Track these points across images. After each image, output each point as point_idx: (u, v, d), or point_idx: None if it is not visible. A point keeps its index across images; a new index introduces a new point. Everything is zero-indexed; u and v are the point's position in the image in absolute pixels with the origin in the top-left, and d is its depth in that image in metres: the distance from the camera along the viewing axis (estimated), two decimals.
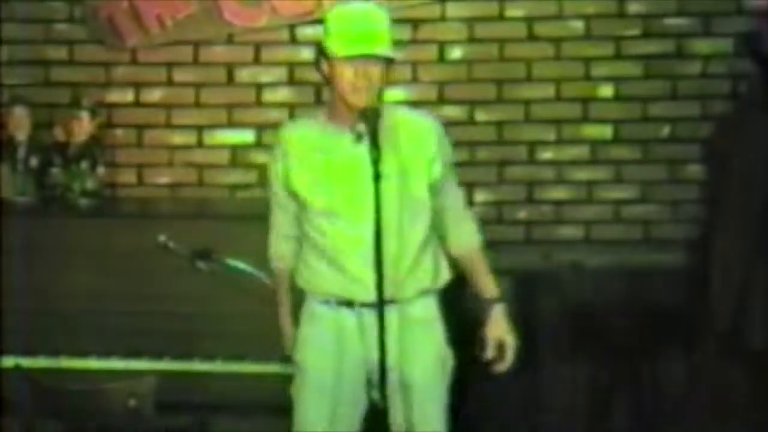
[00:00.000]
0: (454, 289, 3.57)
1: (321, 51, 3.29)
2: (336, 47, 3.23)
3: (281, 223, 3.50)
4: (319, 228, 3.36)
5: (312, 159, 3.36)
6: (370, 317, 3.25)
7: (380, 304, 3.18)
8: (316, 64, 3.33)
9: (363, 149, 3.19)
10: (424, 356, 3.41)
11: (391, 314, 3.30)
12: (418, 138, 3.38)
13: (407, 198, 3.33)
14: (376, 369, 3.21)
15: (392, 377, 3.32)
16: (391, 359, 3.28)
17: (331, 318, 3.39)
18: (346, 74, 3.23)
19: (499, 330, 3.49)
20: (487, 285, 3.53)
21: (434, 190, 3.40)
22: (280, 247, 3.54)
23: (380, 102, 3.30)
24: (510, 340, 3.50)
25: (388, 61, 3.27)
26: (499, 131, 4.84)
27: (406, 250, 3.35)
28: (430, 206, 3.40)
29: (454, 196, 3.51)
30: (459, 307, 3.62)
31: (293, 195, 3.38)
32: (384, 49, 3.24)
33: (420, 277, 3.42)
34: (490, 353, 3.48)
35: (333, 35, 3.24)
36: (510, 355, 3.51)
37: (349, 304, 3.36)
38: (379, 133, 3.18)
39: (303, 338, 3.47)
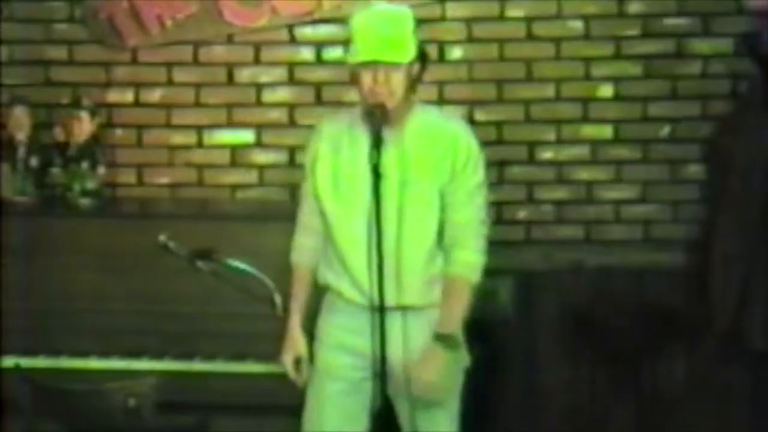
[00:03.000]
0: None
1: (347, 55, 3.31)
2: (355, 52, 3.23)
3: (305, 213, 3.52)
4: (331, 226, 3.37)
5: (333, 156, 3.37)
6: (378, 318, 3.25)
7: (381, 305, 3.18)
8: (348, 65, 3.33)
9: (382, 152, 3.19)
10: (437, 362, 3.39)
11: (397, 319, 3.30)
12: (442, 146, 3.36)
13: (417, 203, 3.32)
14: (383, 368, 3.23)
15: (398, 378, 3.32)
16: (397, 360, 3.29)
17: (346, 313, 3.40)
18: (365, 79, 3.24)
19: (422, 368, 3.33)
20: (445, 319, 3.36)
21: (446, 200, 3.35)
22: (300, 238, 3.55)
23: (408, 102, 3.30)
24: (430, 378, 3.32)
25: (417, 62, 3.27)
26: (499, 131, 4.84)
27: (412, 256, 3.33)
28: (440, 215, 3.36)
29: (465, 212, 3.39)
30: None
31: (313, 189, 3.41)
32: (401, 56, 3.23)
33: (432, 289, 3.38)
34: (415, 389, 3.34)
35: (355, 39, 3.25)
36: (429, 392, 3.34)
37: (358, 304, 3.36)
38: (384, 133, 3.18)
39: (318, 333, 3.48)
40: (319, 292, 3.54)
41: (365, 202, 3.24)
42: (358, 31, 3.25)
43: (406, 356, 3.32)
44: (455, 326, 3.34)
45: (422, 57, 3.31)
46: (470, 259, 3.39)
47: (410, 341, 3.33)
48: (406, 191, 3.29)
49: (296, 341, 3.50)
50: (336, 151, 3.37)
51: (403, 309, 3.33)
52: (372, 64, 3.22)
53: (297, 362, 3.51)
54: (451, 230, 3.37)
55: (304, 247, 3.54)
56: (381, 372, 3.26)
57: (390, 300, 3.24)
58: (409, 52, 3.25)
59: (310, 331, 3.54)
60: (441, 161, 3.34)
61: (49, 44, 4.87)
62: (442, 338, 3.33)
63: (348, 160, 3.34)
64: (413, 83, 3.31)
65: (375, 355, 3.28)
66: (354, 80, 3.29)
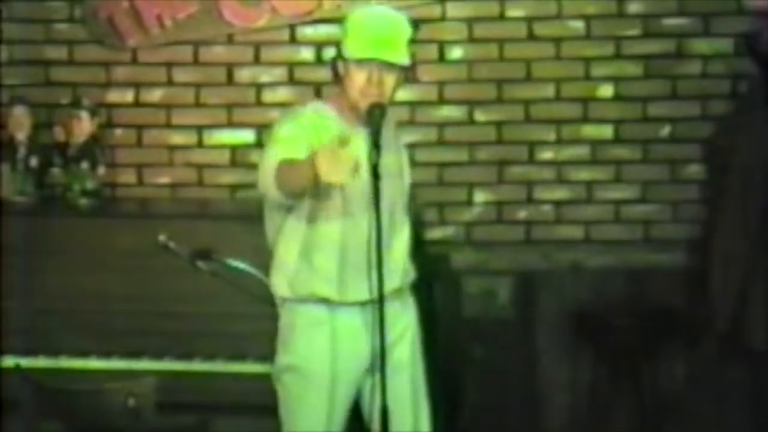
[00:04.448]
0: (452, 290, 3.58)
1: (338, 50, 3.28)
2: (351, 49, 3.22)
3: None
4: (327, 223, 3.34)
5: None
6: (371, 313, 3.26)
7: (380, 303, 3.18)
8: (332, 62, 3.30)
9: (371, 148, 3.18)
10: (409, 338, 3.46)
11: (390, 308, 3.32)
12: (399, 137, 3.52)
13: (402, 196, 3.43)
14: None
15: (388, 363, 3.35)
16: (389, 343, 3.32)
17: (327, 319, 3.38)
18: (358, 79, 3.22)
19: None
20: None
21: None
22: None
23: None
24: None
25: (405, 68, 3.26)
26: (499, 131, 4.84)
27: (402, 245, 3.42)
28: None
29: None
30: (456, 307, 3.62)
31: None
32: (399, 57, 3.22)
33: (411, 271, 3.49)
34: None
35: (350, 37, 3.24)
36: None
37: (350, 302, 3.35)
38: (381, 132, 3.18)
39: (298, 342, 3.43)
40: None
41: (365, 197, 3.23)
42: (356, 29, 3.24)
43: (396, 338, 3.38)
44: None
45: (411, 66, 3.31)
46: None
47: (397, 320, 3.40)
48: (394, 186, 3.35)
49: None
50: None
51: (396, 295, 3.39)
52: (367, 63, 3.21)
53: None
54: None
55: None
56: (381, 368, 3.25)
57: (387, 290, 3.26)
58: (405, 56, 3.25)
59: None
60: (399, 152, 3.49)
61: (49, 44, 4.87)
62: None
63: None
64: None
65: (371, 350, 3.28)
66: (338, 76, 3.27)
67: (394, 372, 3.31)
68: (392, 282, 3.37)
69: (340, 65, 3.27)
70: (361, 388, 3.42)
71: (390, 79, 3.23)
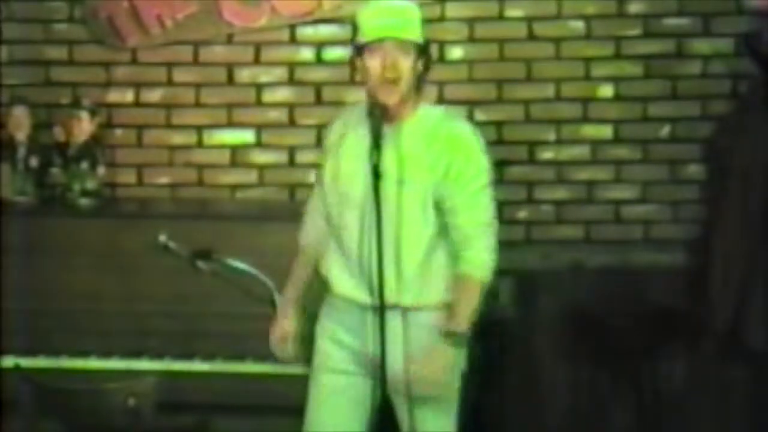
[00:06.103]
0: None
1: (355, 50, 3.28)
2: (363, 37, 3.23)
3: (315, 197, 3.54)
4: (331, 218, 3.40)
5: (336, 150, 3.38)
6: (375, 318, 3.24)
7: (381, 305, 3.18)
8: (351, 64, 3.31)
9: (381, 150, 3.18)
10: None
11: (394, 319, 3.29)
12: (439, 145, 3.30)
13: (412, 203, 3.28)
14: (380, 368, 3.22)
15: (395, 378, 3.31)
16: (392, 360, 3.28)
17: (346, 312, 3.39)
18: (373, 66, 3.21)
19: (425, 364, 3.26)
20: (453, 317, 3.26)
21: (443, 203, 3.29)
22: (307, 219, 3.57)
23: (413, 102, 3.29)
24: (433, 375, 3.25)
25: (420, 54, 3.26)
26: (499, 131, 4.84)
27: (409, 256, 3.30)
28: (438, 219, 3.31)
29: (469, 216, 3.31)
30: None
31: (322, 177, 3.43)
32: (408, 34, 3.22)
33: (430, 290, 3.34)
34: (416, 386, 3.27)
35: (362, 29, 3.25)
36: (429, 389, 3.27)
37: (358, 303, 3.35)
38: (384, 132, 3.18)
39: (320, 332, 3.47)
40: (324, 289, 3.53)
41: (359, 199, 3.24)
42: (363, 21, 3.25)
43: (402, 357, 3.31)
44: (463, 324, 3.27)
45: (426, 55, 3.31)
46: (477, 257, 3.30)
47: (406, 342, 3.31)
48: (403, 190, 3.27)
49: (283, 317, 3.55)
50: (338, 146, 3.38)
51: (400, 309, 3.32)
52: (379, 47, 3.20)
53: (285, 340, 3.53)
54: (456, 233, 3.31)
55: (308, 228, 3.56)
56: (381, 372, 3.25)
57: (387, 299, 3.24)
58: (416, 34, 3.24)
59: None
60: (436, 161, 3.28)
61: (49, 44, 4.87)
62: (449, 335, 3.26)
63: (346, 156, 3.34)
64: (418, 81, 3.30)
65: (373, 355, 3.27)
66: (362, 73, 3.27)
67: (403, 393, 3.31)
68: (394, 295, 3.28)
69: (358, 62, 3.27)
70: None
71: (405, 61, 3.22)
